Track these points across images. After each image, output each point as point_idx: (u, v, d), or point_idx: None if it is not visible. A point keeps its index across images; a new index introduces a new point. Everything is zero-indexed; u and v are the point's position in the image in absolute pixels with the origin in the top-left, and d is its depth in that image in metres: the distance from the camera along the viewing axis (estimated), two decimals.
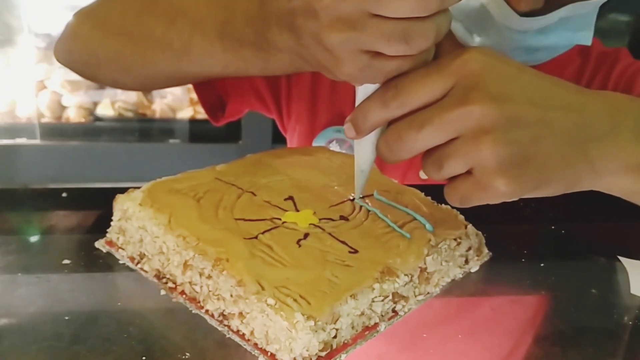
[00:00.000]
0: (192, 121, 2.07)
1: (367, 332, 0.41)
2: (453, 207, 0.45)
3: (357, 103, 0.44)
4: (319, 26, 0.40)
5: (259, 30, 0.48)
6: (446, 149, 0.40)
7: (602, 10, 0.64)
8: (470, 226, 0.51)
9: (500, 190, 0.40)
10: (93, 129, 2.00)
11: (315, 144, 0.78)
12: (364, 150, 0.46)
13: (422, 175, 0.74)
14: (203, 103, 0.78)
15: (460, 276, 0.49)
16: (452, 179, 0.42)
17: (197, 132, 2.05)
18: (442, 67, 0.40)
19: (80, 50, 0.67)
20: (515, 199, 0.41)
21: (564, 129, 0.41)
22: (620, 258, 0.54)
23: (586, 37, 0.64)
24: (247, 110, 0.84)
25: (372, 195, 0.53)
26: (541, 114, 0.40)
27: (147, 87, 0.71)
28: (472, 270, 0.50)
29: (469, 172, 0.41)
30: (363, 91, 0.43)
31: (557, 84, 0.43)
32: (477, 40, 0.65)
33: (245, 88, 0.81)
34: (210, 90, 0.77)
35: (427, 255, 0.45)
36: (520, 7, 0.59)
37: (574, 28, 0.63)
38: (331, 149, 0.69)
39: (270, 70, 0.52)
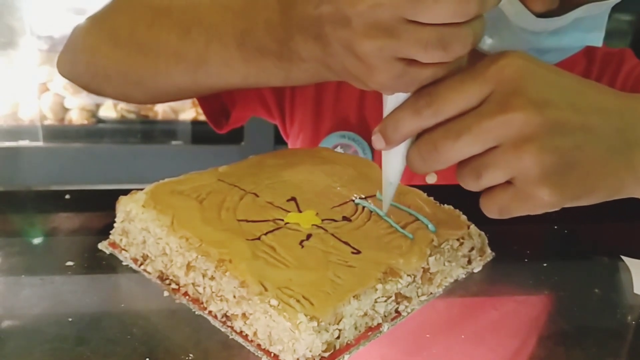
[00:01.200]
0: (195, 123, 2.07)
1: (370, 333, 0.41)
2: (485, 213, 0.43)
3: (385, 112, 0.42)
4: (351, 34, 0.38)
5: (282, 39, 0.46)
6: (485, 158, 0.39)
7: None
8: (472, 226, 0.51)
9: (544, 200, 0.39)
10: (95, 131, 2.01)
11: None
12: (393, 161, 0.44)
13: (429, 179, 0.74)
14: (206, 112, 0.76)
15: (463, 276, 0.49)
16: (489, 189, 0.40)
17: (199, 133, 2.05)
18: (478, 73, 0.39)
19: (86, 63, 0.64)
20: (557, 209, 0.40)
21: (606, 134, 0.40)
22: (624, 258, 0.54)
23: (597, 39, 0.63)
24: (251, 116, 0.83)
25: (375, 195, 0.53)
26: (583, 119, 0.39)
27: (159, 100, 0.67)
28: (475, 271, 0.50)
29: (508, 182, 0.39)
30: (393, 100, 0.41)
31: (595, 87, 0.42)
32: (488, 42, 0.64)
33: (251, 96, 0.80)
34: (214, 99, 0.76)
35: (430, 255, 0.45)
36: (536, 8, 0.58)
37: (585, 29, 0.63)
38: None
39: (292, 81, 0.49)
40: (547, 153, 0.37)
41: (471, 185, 0.40)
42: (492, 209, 0.41)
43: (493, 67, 0.39)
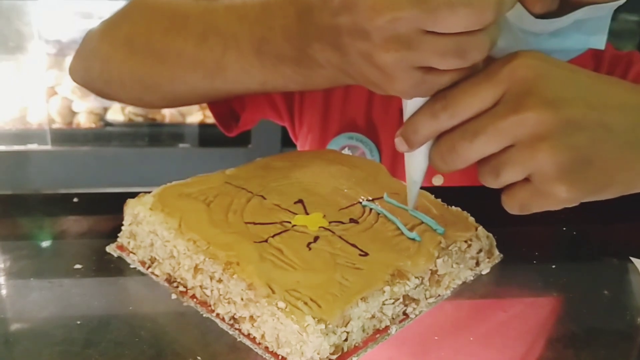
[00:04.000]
0: (202, 125, 2.07)
1: (378, 335, 0.41)
2: (507, 209, 0.44)
3: (405, 116, 0.44)
4: (371, 46, 0.39)
5: (299, 46, 0.47)
6: (502, 157, 0.40)
7: (614, 11, 0.64)
8: (480, 228, 0.50)
9: (562, 197, 0.40)
10: (103, 134, 2.02)
11: None
12: (415, 161, 0.46)
13: (435, 181, 0.74)
14: (216, 115, 0.77)
15: (471, 278, 0.49)
16: (510, 186, 0.42)
17: (206, 136, 2.06)
18: (491, 75, 0.40)
19: (100, 69, 0.65)
20: (576, 204, 0.41)
21: (623, 129, 0.40)
22: (633, 259, 0.53)
23: (600, 41, 0.64)
24: (260, 119, 0.84)
25: (382, 197, 0.53)
26: (599, 116, 0.40)
27: (174, 105, 0.68)
28: (483, 273, 0.50)
29: (527, 179, 0.40)
30: (412, 104, 0.43)
31: (611, 83, 0.42)
32: None
33: (260, 99, 0.80)
34: (223, 103, 0.76)
35: (438, 257, 0.45)
36: (535, 9, 0.58)
37: (587, 32, 0.63)
38: None
39: (310, 86, 0.51)
40: (562, 151, 0.38)
41: (491, 182, 0.41)
42: (513, 205, 0.42)
43: (506, 68, 0.40)
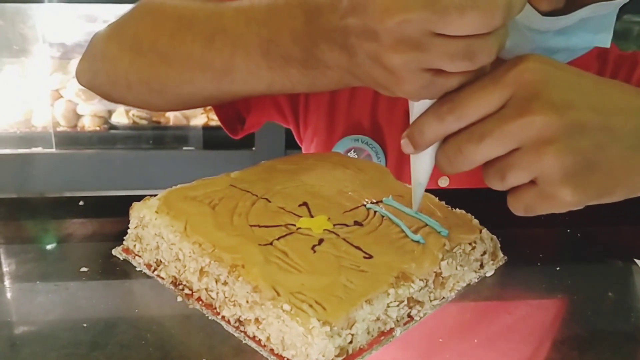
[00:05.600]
0: (206, 128, 2.07)
1: (382, 337, 0.41)
2: (512, 211, 0.44)
3: (412, 118, 0.44)
4: (379, 47, 0.40)
5: (307, 48, 0.47)
6: (508, 160, 0.40)
7: (618, 12, 0.64)
8: (485, 230, 0.50)
9: (566, 200, 0.40)
10: (108, 137, 2.02)
11: None
12: (421, 163, 0.46)
13: (441, 183, 0.74)
14: (221, 118, 0.77)
15: (476, 280, 0.49)
16: (515, 188, 0.42)
17: (210, 139, 2.05)
18: (498, 78, 0.40)
19: (107, 72, 0.64)
20: (581, 207, 0.41)
21: (627, 133, 0.40)
22: (637, 261, 0.53)
23: (605, 39, 0.64)
24: (266, 121, 0.84)
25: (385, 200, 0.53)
26: (604, 120, 0.40)
27: (180, 108, 0.67)
28: (488, 275, 0.50)
29: (532, 182, 0.40)
30: (419, 106, 0.43)
31: (616, 87, 0.43)
32: None
33: (265, 102, 0.80)
34: (228, 106, 0.76)
35: (442, 259, 0.45)
36: (541, 7, 0.58)
37: (593, 30, 0.63)
38: None
39: (317, 87, 0.51)
40: (567, 154, 0.38)
41: (497, 185, 0.42)
42: (518, 207, 0.42)
43: (513, 72, 0.40)
